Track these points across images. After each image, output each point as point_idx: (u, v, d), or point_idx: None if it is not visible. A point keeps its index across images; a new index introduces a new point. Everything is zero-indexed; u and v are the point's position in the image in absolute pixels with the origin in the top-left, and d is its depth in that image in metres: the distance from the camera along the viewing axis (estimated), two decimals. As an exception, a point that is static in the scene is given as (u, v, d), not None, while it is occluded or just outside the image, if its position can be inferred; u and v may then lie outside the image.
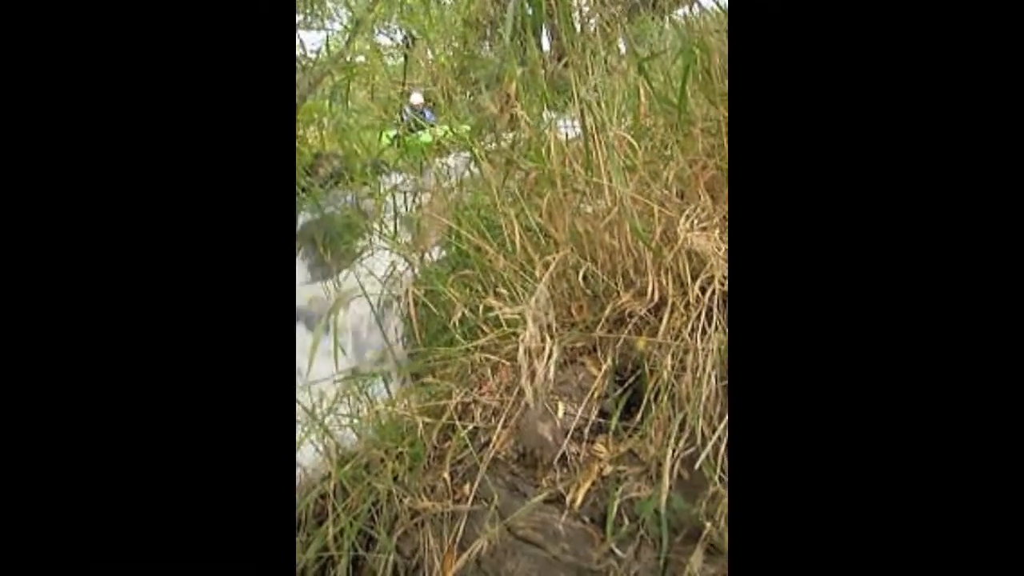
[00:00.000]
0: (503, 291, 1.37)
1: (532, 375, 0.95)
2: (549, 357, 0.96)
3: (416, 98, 4.03)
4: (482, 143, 1.64)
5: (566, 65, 1.65)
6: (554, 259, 1.18)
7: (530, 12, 1.60)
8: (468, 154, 1.66)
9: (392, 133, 2.53)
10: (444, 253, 1.75)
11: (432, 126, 2.34)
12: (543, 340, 0.96)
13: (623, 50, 2.10)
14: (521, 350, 0.95)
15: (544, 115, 1.55)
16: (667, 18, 2.99)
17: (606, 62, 1.64)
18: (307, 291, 1.99)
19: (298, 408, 1.55)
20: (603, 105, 1.41)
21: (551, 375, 0.97)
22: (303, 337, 2.17)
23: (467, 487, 1.31)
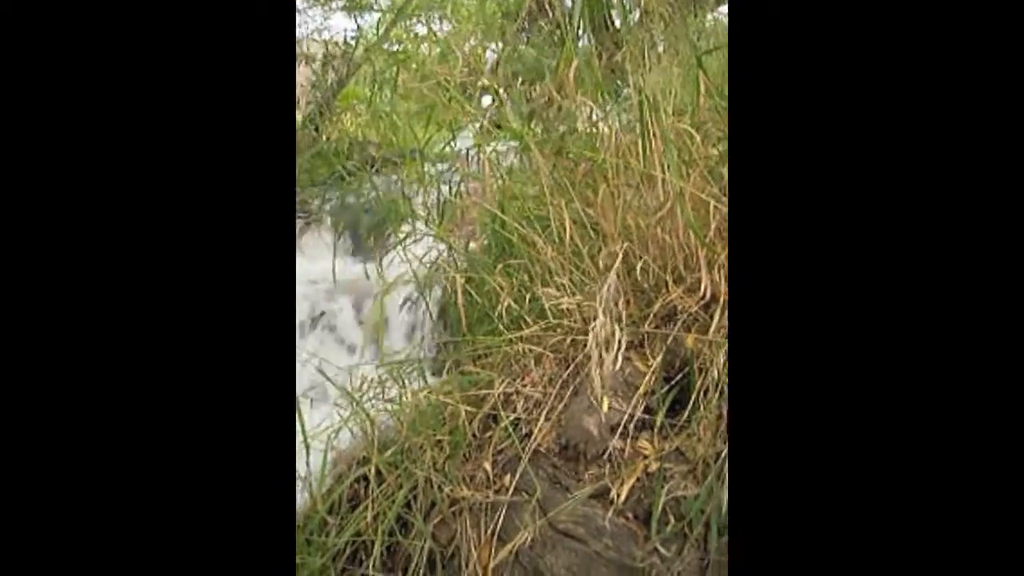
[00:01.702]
0: (552, 281, 1.36)
1: (600, 364, 0.93)
2: (619, 348, 0.95)
3: (486, 101, 3.92)
4: (532, 132, 1.62)
5: (611, 57, 1.63)
6: (619, 251, 1.16)
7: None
8: (516, 143, 1.65)
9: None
10: (486, 241, 1.74)
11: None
12: (612, 330, 0.95)
13: (660, 47, 2.07)
14: (591, 339, 0.94)
15: (597, 106, 1.53)
16: (710, 14, 2.96)
17: (645, 55, 1.62)
18: (347, 275, 1.99)
19: (338, 392, 1.55)
20: (659, 96, 1.39)
21: (619, 365, 0.95)
22: (344, 320, 2.18)
23: (507, 478, 1.30)
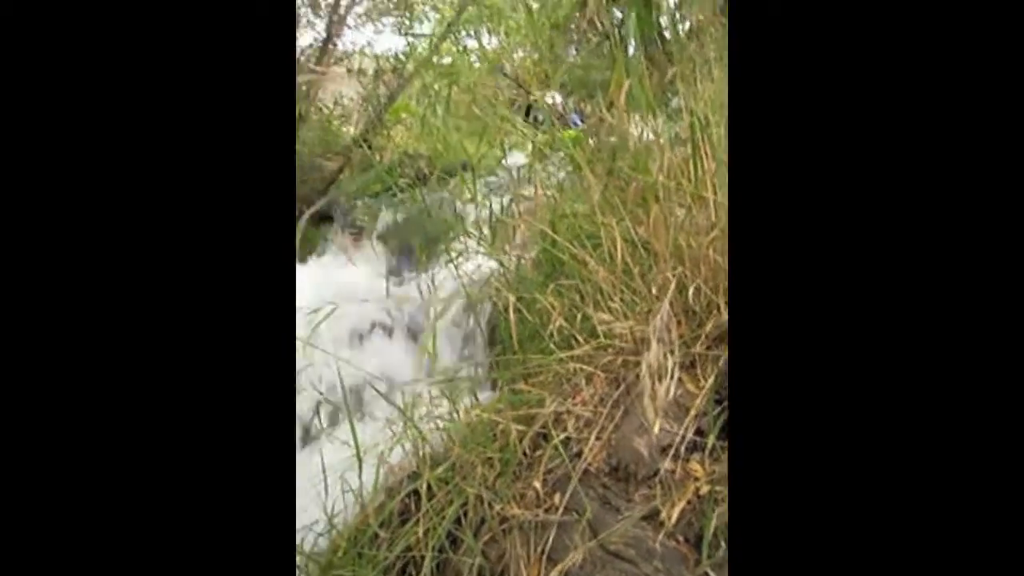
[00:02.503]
0: (603, 302, 1.36)
1: (653, 394, 0.94)
2: (671, 377, 0.95)
3: (555, 98, 3.76)
4: (582, 149, 1.63)
5: (663, 74, 1.63)
6: (671, 276, 1.16)
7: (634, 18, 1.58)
8: (568, 160, 1.66)
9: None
10: (537, 259, 1.75)
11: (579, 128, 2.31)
12: (665, 359, 0.95)
13: (712, 62, 2.06)
14: (644, 368, 0.94)
15: (648, 125, 1.53)
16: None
17: (696, 70, 1.61)
18: (399, 291, 2.02)
19: (391, 409, 1.58)
20: (710, 114, 1.38)
21: (672, 395, 0.95)
22: (396, 336, 2.22)
23: (557, 497, 1.30)
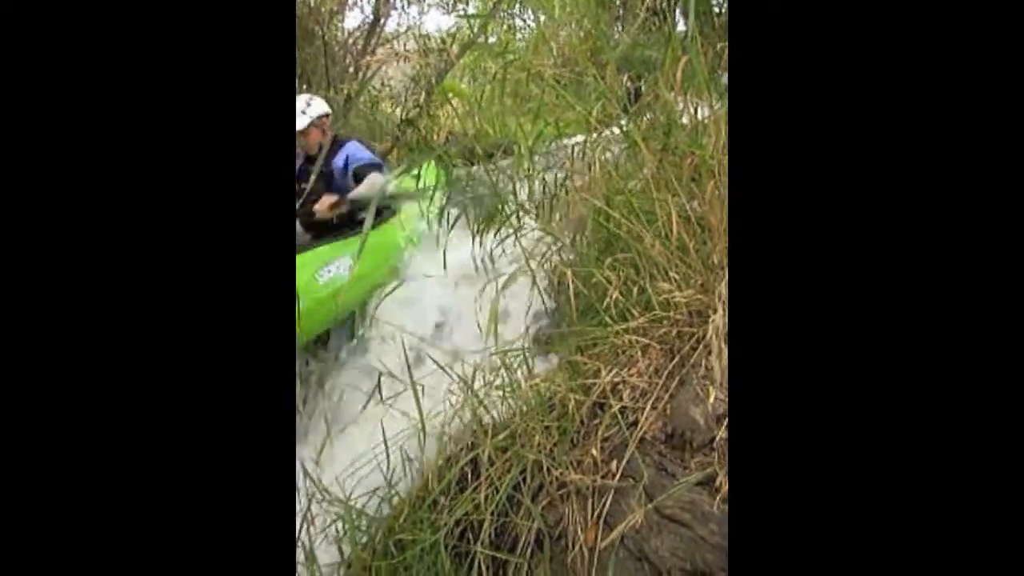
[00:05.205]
0: (659, 275, 1.39)
1: (720, 355, 0.97)
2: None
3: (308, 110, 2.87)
4: (637, 126, 1.65)
5: (715, 47, 1.64)
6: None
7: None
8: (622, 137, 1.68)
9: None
10: (589, 235, 1.77)
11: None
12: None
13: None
14: (711, 331, 0.97)
15: (704, 101, 1.55)
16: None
17: None
18: (458, 267, 2.07)
19: (449, 381, 1.64)
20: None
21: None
22: (445, 312, 2.27)
23: (614, 464, 1.35)
